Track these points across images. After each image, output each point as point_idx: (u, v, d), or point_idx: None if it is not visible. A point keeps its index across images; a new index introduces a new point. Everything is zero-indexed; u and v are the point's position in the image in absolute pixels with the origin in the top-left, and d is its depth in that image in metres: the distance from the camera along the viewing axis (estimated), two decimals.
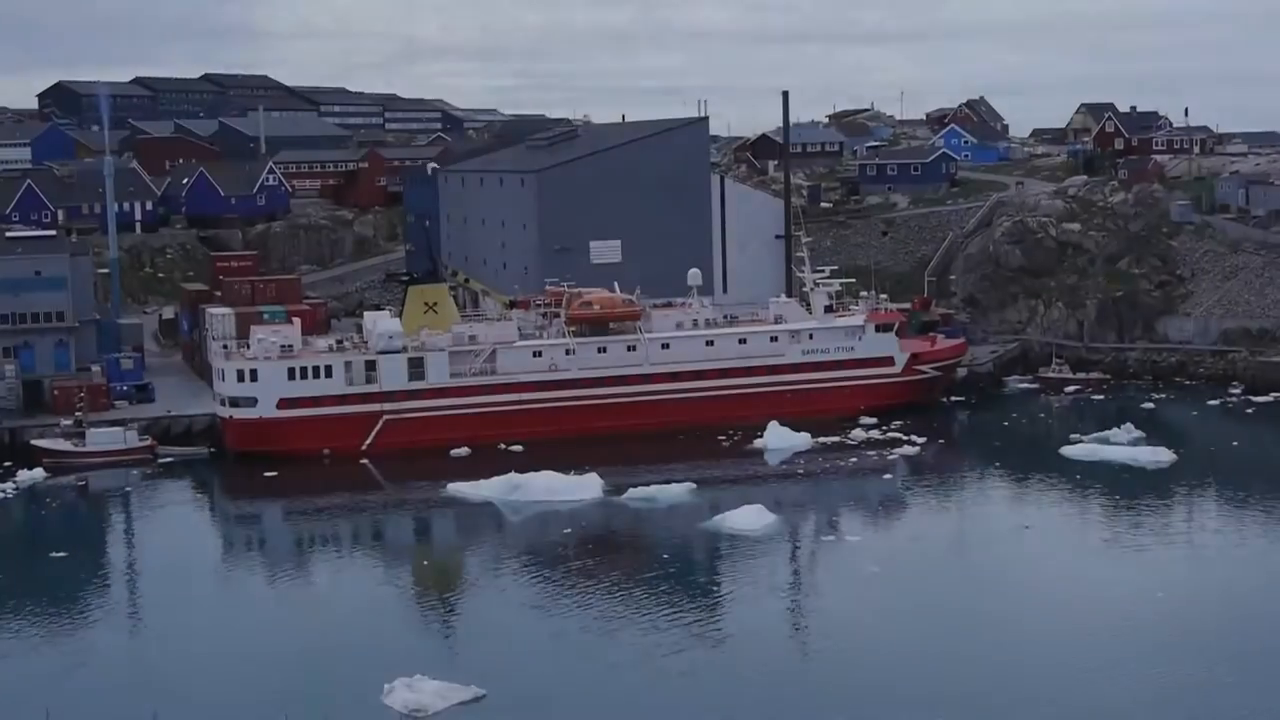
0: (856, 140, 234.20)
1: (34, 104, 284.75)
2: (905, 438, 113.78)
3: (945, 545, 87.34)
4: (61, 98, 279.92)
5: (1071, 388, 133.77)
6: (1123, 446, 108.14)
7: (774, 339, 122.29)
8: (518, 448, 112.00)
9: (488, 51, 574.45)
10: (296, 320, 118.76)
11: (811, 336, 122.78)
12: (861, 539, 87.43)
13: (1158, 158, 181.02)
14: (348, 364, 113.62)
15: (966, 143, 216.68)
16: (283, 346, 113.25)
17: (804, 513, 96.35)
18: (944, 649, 67.73)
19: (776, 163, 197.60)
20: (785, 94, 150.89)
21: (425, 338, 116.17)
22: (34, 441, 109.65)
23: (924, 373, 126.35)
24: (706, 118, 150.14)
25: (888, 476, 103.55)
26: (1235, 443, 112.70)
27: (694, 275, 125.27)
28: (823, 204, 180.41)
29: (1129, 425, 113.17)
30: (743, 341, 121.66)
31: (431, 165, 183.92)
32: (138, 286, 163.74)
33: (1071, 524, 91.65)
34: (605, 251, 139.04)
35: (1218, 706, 60.67)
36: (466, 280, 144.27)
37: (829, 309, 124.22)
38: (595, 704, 62.29)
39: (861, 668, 66.01)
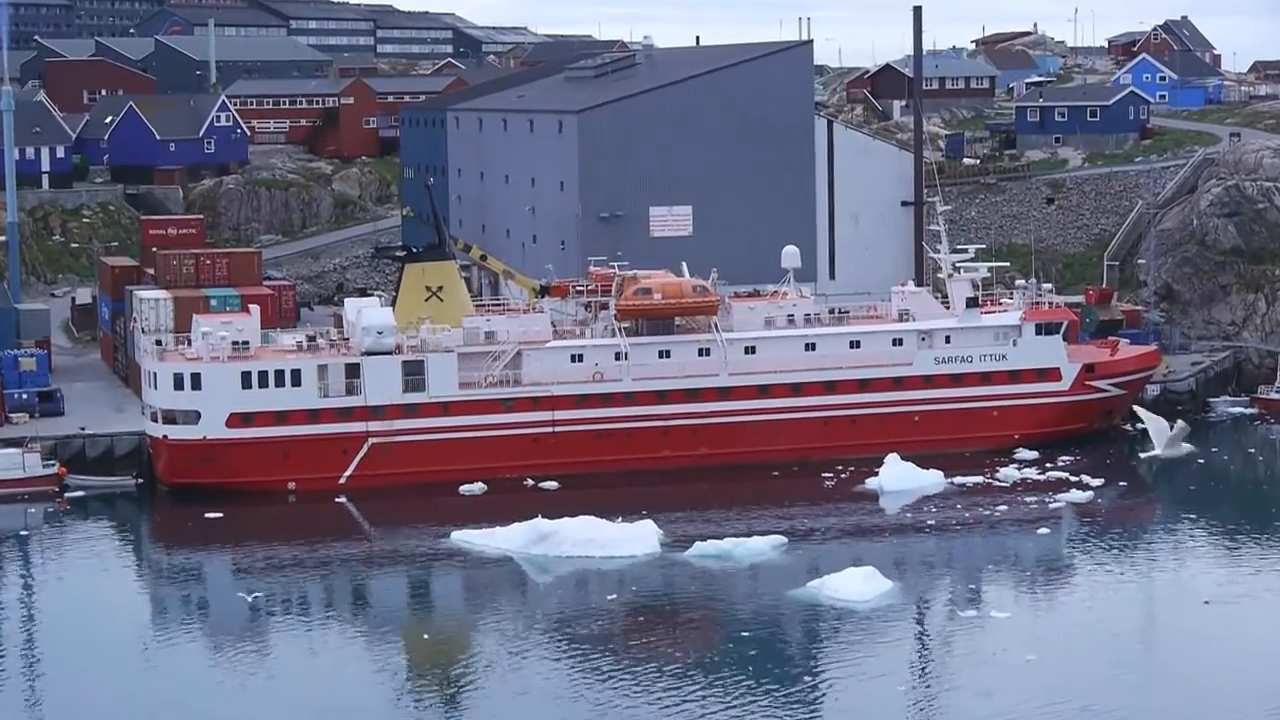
0: (1013, 74, 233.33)
1: None
2: (1074, 479, 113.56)
3: (1127, 627, 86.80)
4: None
5: None
6: None
7: (898, 342, 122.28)
8: (549, 484, 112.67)
9: None
10: (254, 308, 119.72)
11: (949, 339, 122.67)
12: (1011, 616, 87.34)
13: None
14: (322, 368, 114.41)
15: (1164, 79, 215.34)
16: (235, 344, 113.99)
17: (932, 579, 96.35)
18: None
19: (904, 104, 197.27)
20: (917, 10, 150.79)
21: (426, 335, 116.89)
22: None
23: (1101, 390, 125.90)
24: (810, 41, 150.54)
25: (1048, 531, 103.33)
26: None
27: (790, 254, 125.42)
28: (967, 160, 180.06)
29: None
30: (855, 345, 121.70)
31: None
32: (44, 261, 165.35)
33: None
34: (670, 221, 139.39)
35: None
36: (483, 257, 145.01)
37: (973, 302, 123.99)
38: None
39: None
